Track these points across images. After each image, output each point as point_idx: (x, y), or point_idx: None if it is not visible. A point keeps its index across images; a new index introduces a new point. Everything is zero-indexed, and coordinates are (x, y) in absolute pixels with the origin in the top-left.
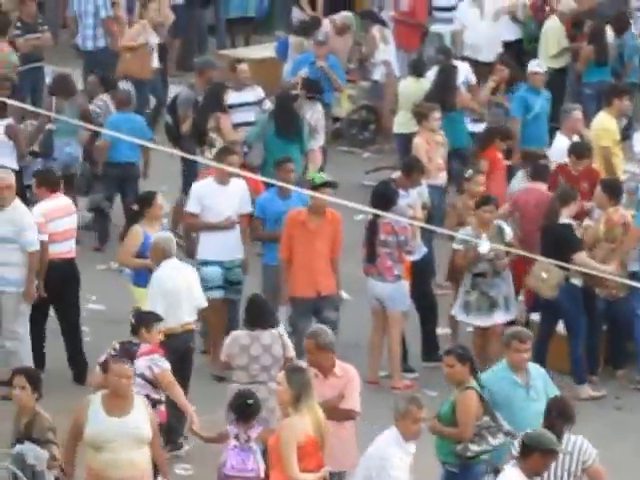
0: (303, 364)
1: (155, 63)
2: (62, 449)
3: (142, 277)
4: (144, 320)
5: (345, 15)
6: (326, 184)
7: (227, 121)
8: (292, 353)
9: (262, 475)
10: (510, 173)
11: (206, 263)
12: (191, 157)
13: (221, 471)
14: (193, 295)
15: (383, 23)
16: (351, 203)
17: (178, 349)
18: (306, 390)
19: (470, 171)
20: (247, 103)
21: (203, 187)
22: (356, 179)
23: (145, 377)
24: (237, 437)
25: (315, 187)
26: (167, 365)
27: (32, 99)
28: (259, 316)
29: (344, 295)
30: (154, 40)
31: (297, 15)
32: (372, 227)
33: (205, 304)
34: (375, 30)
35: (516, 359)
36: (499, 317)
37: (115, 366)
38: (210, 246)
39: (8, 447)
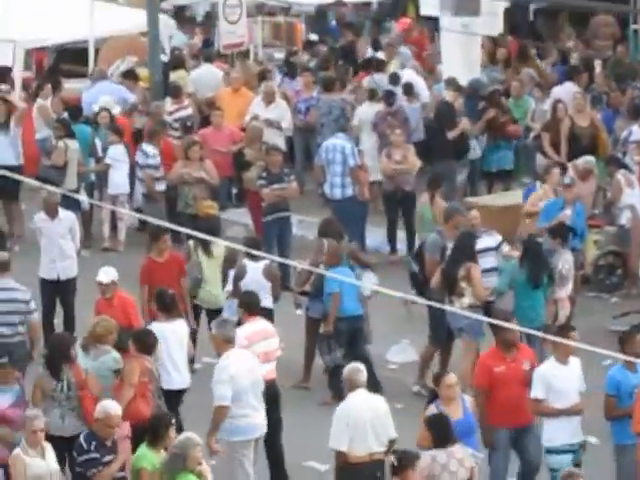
0: None
1: None
2: None
3: None
4: None
5: (587, 159)
6: None
7: (477, 271)
8: None
9: None
10: None
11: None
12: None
13: None
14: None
15: (627, 168)
16: (598, 349)
17: None
18: None
19: None
20: (489, 249)
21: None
22: (604, 324)
23: None
24: None
25: None
26: None
27: (279, 249)
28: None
29: None
30: None
31: (541, 162)
32: None
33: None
34: (620, 175)
35: None
36: None
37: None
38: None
39: None
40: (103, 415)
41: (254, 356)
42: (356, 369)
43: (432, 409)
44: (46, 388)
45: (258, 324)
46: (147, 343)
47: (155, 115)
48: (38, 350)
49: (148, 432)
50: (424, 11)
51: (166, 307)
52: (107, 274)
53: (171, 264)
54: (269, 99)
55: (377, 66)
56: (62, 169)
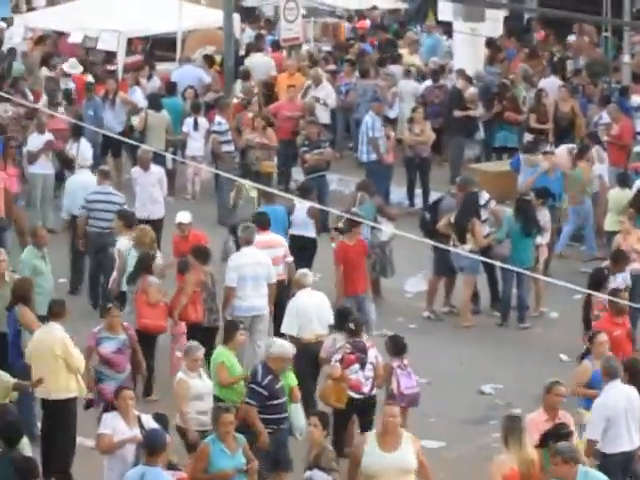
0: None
1: None
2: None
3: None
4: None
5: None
6: None
7: (479, 225)
8: None
9: None
10: None
11: None
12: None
13: None
14: None
15: (602, 144)
16: (571, 285)
17: None
18: (513, 435)
19: None
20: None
21: None
22: (576, 267)
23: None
24: None
25: None
26: None
27: (319, 199)
28: None
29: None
30: None
31: (528, 137)
32: (587, 304)
33: None
34: (594, 150)
35: None
36: None
37: (387, 408)
38: None
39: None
40: (283, 354)
41: (265, 255)
42: (303, 273)
43: (586, 364)
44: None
45: (266, 236)
46: (203, 254)
47: (247, 93)
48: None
49: (224, 337)
50: (441, 17)
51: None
52: (184, 216)
53: (358, 247)
54: (317, 82)
55: (397, 59)
56: (143, 133)
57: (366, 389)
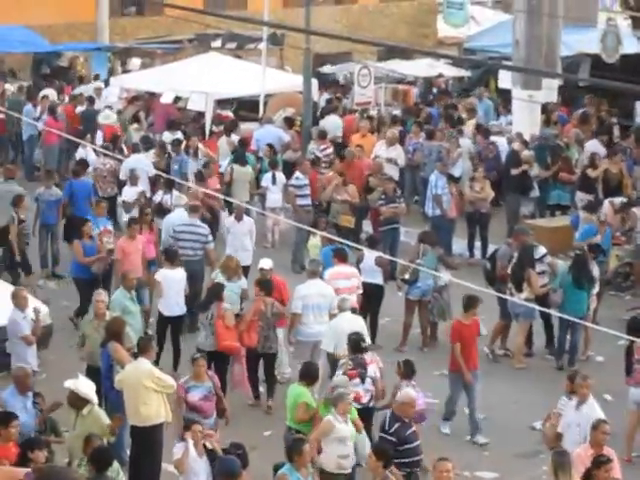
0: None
1: None
2: None
3: None
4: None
5: (621, 200)
6: None
7: (535, 275)
8: None
9: None
10: None
11: None
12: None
13: None
14: None
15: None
16: (612, 331)
17: None
18: (561, 468)
19: None
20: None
21: None
22: (620, 314)
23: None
24: None
25: None
26: None
27: (390, 250)
28: None
29: None
30: None
31: (582, 197)
32: (629, 349)
33: None
34: (637, 209)
35: None
36: None
37: (440, 463)
38: None
39: None
40: (407, 399)
41: (327, 285)
42: (343, 299)
43: None
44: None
45: (344, 268)
46: (267, 286)
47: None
48: (213, 267)
49: (303, 375)
50: (501, 85)
51: None
52: (266, 263)
53: (473, 326)
54: (391, 142)
55: (460, 121)
56: (229, 185)
57: (365, 400)
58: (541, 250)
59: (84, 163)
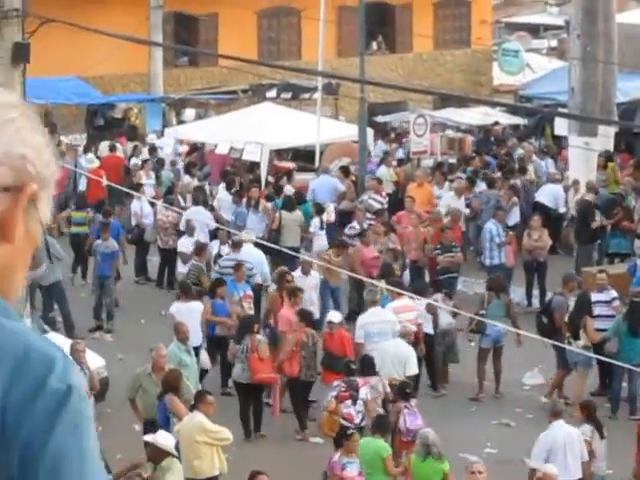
0: None
1: None
2: None
3: None
4: None
5: None
6: None
7: (591, 322)
8: None
9: None
10: None
11: None
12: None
13: None
14: None
15: None
16: None
17: None
18: None
19: None
20: (600, 301)
21: None
22: None
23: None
24: None
25: None
26: None
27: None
28: None
29: None
30: None
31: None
32: None
33: None
34: None
35: None
36: None
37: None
38: None
39: None
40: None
41: (389, 313)
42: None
43: None
44: (233, 351)
45: (402, 302)
46: (307, 317)
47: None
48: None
49: (376, 427)
50: (557, 132)
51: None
52: (336, 316)
53: None
54: (460, 193)
55: (520, 170)
56: (278, 231)
57: (357, 420)
58: (603, 294)
59: None
